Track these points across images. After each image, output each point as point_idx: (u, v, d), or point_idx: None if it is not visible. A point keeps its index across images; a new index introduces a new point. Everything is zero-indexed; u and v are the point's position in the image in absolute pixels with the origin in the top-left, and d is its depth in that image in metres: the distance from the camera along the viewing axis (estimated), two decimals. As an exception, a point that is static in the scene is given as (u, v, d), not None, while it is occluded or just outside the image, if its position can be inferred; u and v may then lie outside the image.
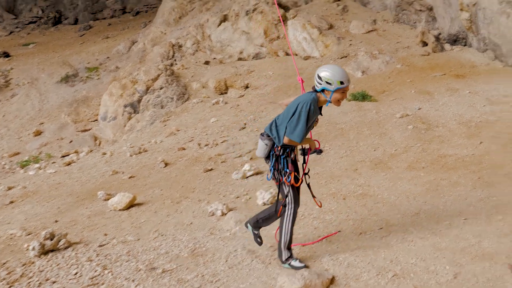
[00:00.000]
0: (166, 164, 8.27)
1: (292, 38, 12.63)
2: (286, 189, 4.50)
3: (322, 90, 4.33)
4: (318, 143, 4.66)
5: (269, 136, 4.50)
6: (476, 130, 7.48)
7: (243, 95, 11.08)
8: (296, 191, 4.53)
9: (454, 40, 11.66)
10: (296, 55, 12.44)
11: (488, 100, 8.45)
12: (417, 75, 10.18)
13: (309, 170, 4.66)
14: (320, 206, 4.83)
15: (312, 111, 4.27)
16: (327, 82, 4.26)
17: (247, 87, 11.39)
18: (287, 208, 4.54)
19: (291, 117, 4.29)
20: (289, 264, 4.55)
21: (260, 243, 4.85)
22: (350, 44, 12.15)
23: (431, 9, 12.28)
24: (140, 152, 9.15)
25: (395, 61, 11.09)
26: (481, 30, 10.54)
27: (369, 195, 6.11)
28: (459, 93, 9.07)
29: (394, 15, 13.32)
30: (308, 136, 4.67)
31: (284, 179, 4.44)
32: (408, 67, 10.78)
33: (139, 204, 6.64)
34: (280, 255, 4.61)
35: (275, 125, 4.48)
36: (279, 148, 4.46)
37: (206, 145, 8.83)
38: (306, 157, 4.64)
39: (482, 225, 4.97)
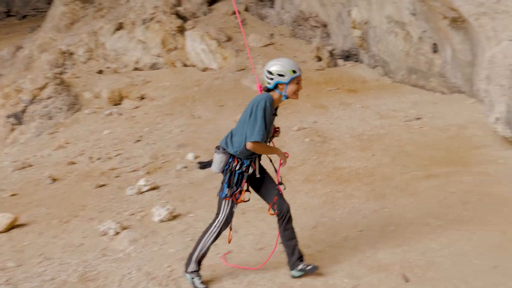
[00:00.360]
0: (54, 180, 7.69)
1: (190, 49, 12.47)
2: (225, 205, 4.24)
3: (276, 86, 4.10)
4: (287, 154, 4.37)
5: (224, 150, 4.20)
6: (368, 143, 7.77)
7: (138, 106, 10.68)
8: (232, 211, 4.28)
9: (347, 56, 12.16)
10: (194, 66, 12.28)
11: (378, 114, 8.84)
12: (313, 89, 10.45)
13: (281, 178, 4.40)
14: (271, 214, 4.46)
15: (268, 108, 4.01)
16: (279, 75, 4.04)
17: (143, 98, 11.01)
18: (215, 224, 4.27)
19: (248, 121, 4.03)
20: (192, 278, 4.32)
21: (316, 267, 4.39)
22: (248, 57, 12.22)
23: (325, 25, 12.73)
24: (24, 167, 8.44)
25: (292, 74, 11.30)
26: (372, 47, 11.08)
27: (268, 209, 6.05)
28: (352, 107, 9.41)
29: (291, 30, 13.64)
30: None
31: (232, 195, 4.18)
32: (304, 81, 10.87)
33: (21, 225, 6.06)
34: (187, 264, 4.34)
35: (230, 136, 4.20)
36: (236, 163, 4.18)
37: (98, 159, 8.34)
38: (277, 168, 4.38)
39: (376, 237, 5.10)
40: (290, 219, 4.41)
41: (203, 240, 4.30)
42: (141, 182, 6.98)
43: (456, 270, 4.30)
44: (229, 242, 4.38)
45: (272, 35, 13.33)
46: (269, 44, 12.89)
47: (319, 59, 11.98)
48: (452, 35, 8.66)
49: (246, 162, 4.19)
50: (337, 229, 5.36)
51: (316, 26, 12.88)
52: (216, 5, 14.63)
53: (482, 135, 7.38)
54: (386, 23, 10.36)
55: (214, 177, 7.16)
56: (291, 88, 4.09)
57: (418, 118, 8.42)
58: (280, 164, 4.33)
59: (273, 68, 4.07)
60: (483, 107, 7.21)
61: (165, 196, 6.71)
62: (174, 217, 6.00)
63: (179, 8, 13.84)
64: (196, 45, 12.36)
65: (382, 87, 10.38)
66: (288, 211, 4.37)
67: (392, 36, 10.30)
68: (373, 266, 4.50)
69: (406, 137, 7.79)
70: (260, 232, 5.50)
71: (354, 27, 11.29)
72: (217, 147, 4.23)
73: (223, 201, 4.24)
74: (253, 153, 4.17)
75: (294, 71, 4.06)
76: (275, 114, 4.21)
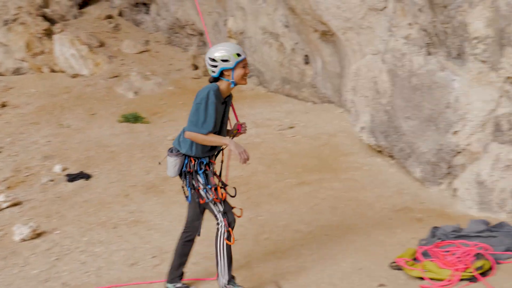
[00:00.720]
0: None
1: (59, 54, 11.73)
2: (215, 207, 3.96)
3: (221, 74, 3.84)
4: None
5: (178, 151, 3.90)
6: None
7: None
8: (227, 206, 4.00)
9: (223, 65, 12.22)
10: (63, 72, 11.58)
11: (254, 123, 8.97)
12: (189, 98, 10.16)
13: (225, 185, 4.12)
14: (240, 216, 4.19)
15: (212, 97, 3.74)
16: (223, 61, 3.78)
17: (4, 105, 10.11)
18: (220, 226, 3.98)
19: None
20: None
21: None
22: (122, 64, 11.80)
23: (202, 34, 12.71)
24: None
25: (167, 82, 11.11)
26: (247, 57, 11.26)
27: (141, 222, 5.87)
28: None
29: (167, 37, 13.44)
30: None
31: (211, 196, 3.89)
32: (181, 89, 10.90)
33: None
34: (220, 276, 4.09)
35: (183, 134, 3.90)
36: (193, 163, 3.88)
37: (-51, 174, 7.50)
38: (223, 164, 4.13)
39: (250, 245, 5.15)
40: (196, 237, 4.27)
41: (219, 250, 4.04)
42: (0, 198, 6.40)
43: (325, 274, 4.46)
44: (232, 243, 4.05)
45: (147, 42, 13.03)
46: (144, 51, 12.57)
47: (196, 67, 11.93)
48: (322, 47, 9.07)
49: (205, 161, 3.95)
50: (212, 240, 5.29)
51: (192, 34, 12.82)
52: (88, 9, 13.97)
53: (349, 143, 7.79)
54: (261, 34, 10.60)
55: (84, 190, 6.79)
56: (238, 73, 3.85)
57: (291, 127, 8.69)
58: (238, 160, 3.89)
59: (216, 54, 3.81)
60: (350, 116, 7.62)
61: (28, 213, 6.20)
62: (38, 235, 5.58)
63: (46, 10, 12.98)
64: (65, 50, 11.66)
65: (257, 96, 10.58)
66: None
67: (266, 47, 10.55)
68: (247, 275, 4.52)
69: (280, 146, 7.98)
70: (132, 247, 5.30)
71: (230, 37, 11.40)
72: (170, 150, 3.96)
73: (210, 205, 3.98)
74: (211, 149, 3.96)
75: (238, 54, 3.82)
76: (225, 103, 3.96)
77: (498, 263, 4.40)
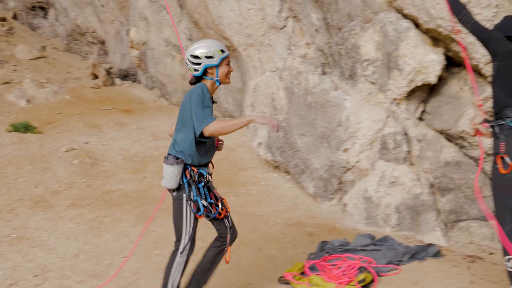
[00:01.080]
0: None
1: None
2: (188, 225, 3.60)
3: (205, 72, 3.58)
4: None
5: (178, 158, 3.52)
6: (141, 165, 7.65)
7: None
8: (195, 230, 3.65)
9: (125, 76, 11.93)
10: None
11: (153, 136, 8.80)
12: (87, 108, 9.94)
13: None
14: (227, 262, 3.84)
15: (206, 94, 3.47)
16: (207, 57, 3.53)
17: None
18: (179, 252, 3.61)
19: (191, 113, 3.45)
20: None
21: None
22: (15, 70, 11.12)
23: (103, 42, 12.34)
24: None
25: (64, 91, 10.60)
26: (150, 68, 11.07)
27: (25, 239, 5.51)
28: (127, 127, 9.19)
29: (66, 44, 12.90)
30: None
31: (218, 210, 3.63)
32: (78, 98, 10.44)
33: None
34: None
35: (179, 141, 3.57)
36: (196, 171, 3.53)
37: None
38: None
39: (140, 261, 5.00)
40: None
41: (170, 277, 3.66)
42: None
43: (216, 290, 4.42)
44: (227, 262, 3.82)
45: (44, 48, 12.40)
46: (40, 57, 11.94)
47: (95, 76, 11.51)
48: (225, 62, 9.12)
49: (205, 172, 3.65)
50: (101, 256, 5.11)
51: (93, 43, 12.40)
52: (-22, 9, 13.11)
53: (248, 158, 7.86)
54: (164, 45, 10.47)
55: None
56: (222, 70, 3.61)
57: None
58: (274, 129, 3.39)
59: (199, 51, 3.55)
60: (249, 132, 7.70)
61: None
62: None
63: None
64: (-51, 51, 10.81)
65: (158, 108, 10.40)
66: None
67: (169, 59, 10.44)
68: (134, 294, 4.37)
69: (179, 159, 7.87)
70: (12, 265, 4.96)
71: (132, 47, 11.16)
72: (166, 158, 3.59)
73: (185, 222, 3.61)
74: (206, 156, 3.66)
75: (222, 51, 3.59)
76: (214, 102, 3.69)
77: (380, 275, 4.60)
